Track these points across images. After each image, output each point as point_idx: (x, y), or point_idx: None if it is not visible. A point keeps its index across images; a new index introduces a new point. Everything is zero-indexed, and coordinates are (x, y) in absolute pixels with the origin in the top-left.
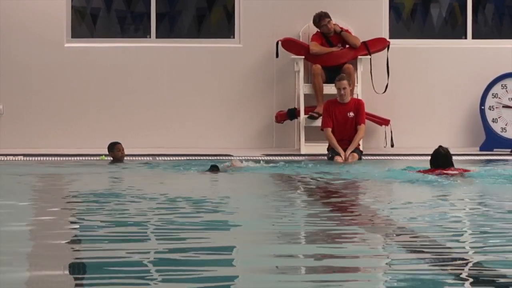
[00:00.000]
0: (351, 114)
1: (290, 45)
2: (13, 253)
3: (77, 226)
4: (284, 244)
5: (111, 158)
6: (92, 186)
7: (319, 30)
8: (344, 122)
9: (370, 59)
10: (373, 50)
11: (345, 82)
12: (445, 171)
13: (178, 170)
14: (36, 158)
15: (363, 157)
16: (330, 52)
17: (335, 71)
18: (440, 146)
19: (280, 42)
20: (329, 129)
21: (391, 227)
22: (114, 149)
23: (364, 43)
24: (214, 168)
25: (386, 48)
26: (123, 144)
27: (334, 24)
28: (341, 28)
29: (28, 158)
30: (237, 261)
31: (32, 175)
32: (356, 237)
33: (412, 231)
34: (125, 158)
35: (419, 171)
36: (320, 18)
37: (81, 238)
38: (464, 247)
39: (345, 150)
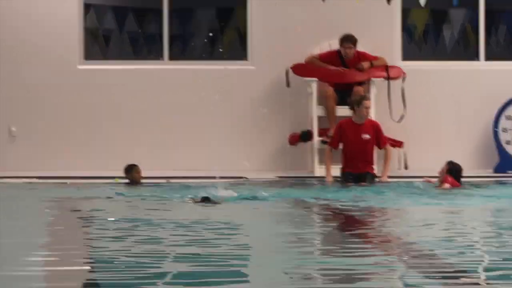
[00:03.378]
0: (367, 136)
1: (301, 69)
2: (27, 276)
3: (92, 250)
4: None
5: (127, 181)
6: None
7: (338, 49)
8: (357, 142)
9: (389, 84)
10: (391, 76)
11: (370, 102)
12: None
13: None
14: (49, 181)
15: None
16: (343, 71)
17: (347, 93)
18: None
19: (290, 70)
20: (331, 149)
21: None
22: (133, 171)
23: (386, 66)
24: (206, 199)
25: (402, 79)
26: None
27: (362, 63)
28: (371, 59)
29: (41, 180)
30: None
31: (45, 197)
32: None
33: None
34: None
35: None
36: (343, 41)
37: (95, 263)
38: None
39: (358, 172)
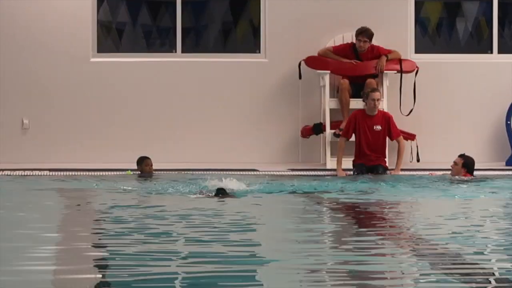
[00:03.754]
0: (378, 127)
1: (314, 62)
2: (38, 271)
3: (104, 246)
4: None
5: (139, 172)
6: (119, 201)
7: (354, 42)
8: (369, 134)
9: (401, 78)
10: (404, 70)
11: (379, 93)
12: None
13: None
14: (62, 173)
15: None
16: (356, 64)
17: (361, 86)
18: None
19: (303, 62)
20: (344, 139)
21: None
22: (143, 163)
23: (399, 59)
24: (222, 192)
25: (415, 73)
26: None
27: (381, 63)
28: (385, 53)
29: (54, 173)
30: None
31: (56, 190)
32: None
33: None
34: (153, 172)
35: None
36: (359, 33)
37: (108, 259)
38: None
39: (370, 164)
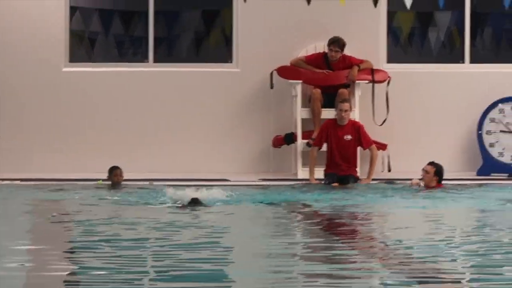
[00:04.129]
0: (349, 137)
1: (286, 72)
2: (7, 283)
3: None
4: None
5: (110, 182)
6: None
7: (326, 51)
8: (339, 143)
9: (373, 88)
10: (376, 80)
11: (348, 104)
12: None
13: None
14: (33, 183)
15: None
16: (328, 74)
17: (333, 96)
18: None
19: (276, 71)
20: (316, 149)
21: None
22: (112, 173)
23: (371, 69)
24: (195, 202)
25: (387, 83)
26: (121, 168)
27: (353, 73)
28: (356, 63)
29: (25, 183)
30: None
31: (28, 199)
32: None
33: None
34: (123, 182)
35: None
36: (331, 43)
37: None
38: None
39: (341, 174)
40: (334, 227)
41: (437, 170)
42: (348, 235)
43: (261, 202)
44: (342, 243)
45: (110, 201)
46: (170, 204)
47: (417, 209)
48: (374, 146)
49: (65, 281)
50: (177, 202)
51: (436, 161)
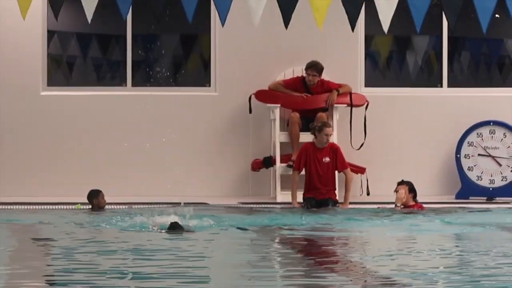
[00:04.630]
0: (327, 159)
1: (265, 96)
2: None
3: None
4: None
5: (90, 206)
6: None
7: (303, 76)
8: (318, 166)
9: (351, 111)
10: (354, 103)
11: (331, 129)
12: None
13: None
14: (11, 207)
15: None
16: (306, 97)
17: (312, 120)
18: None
19: (254, 96)
20: (297, 172)
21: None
22: (99, 196)
23: (350, 93)
24: (175, 226)
25: (365, 107)
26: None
27: (332, 98)
28: (335, 87)
29: (3, 207)
30: None
31: (5, 224)
32: None
33: None
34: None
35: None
36: (308, 67)
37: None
38: None
39: (320, 198)
40: (311, 250)
41: (411, 188)
42: (327, 258)
43: (241, 228)
44: (318, 266)
45: (96, 224)
46: (151, 229)
47: (396, 232)
48: (349, 169)
49: None
50: (158, 227)
51: (404, 179)
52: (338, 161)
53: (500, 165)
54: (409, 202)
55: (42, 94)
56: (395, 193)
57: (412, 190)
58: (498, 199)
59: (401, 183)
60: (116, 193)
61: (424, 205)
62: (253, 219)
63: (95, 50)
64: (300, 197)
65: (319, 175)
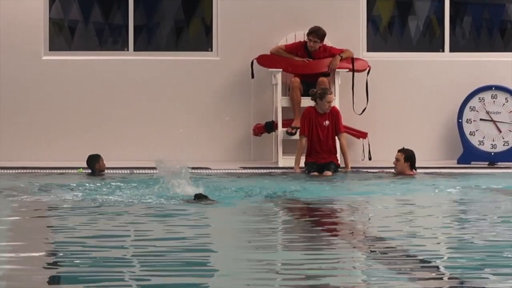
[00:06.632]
0: (327, 122)
1: (267, 60)
2: None
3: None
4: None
5: (90, 171)
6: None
7: (305, 40)
8: (320, 131)
9: (353, 76)
10: (356, 69)
11: (333, 95)
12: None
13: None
14: (12, 171)
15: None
16: (308, 62)
17: (313, 85)
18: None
19: (256, 60)
20: (305, 138)
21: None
22: (99, 161)
23: (352, 58)
24: (200, 197)
25: (367, 72)
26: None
27: (334, 62)
28: (337, 52)
29: (4, 171)
30: None
31: (7, 188)
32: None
33: None
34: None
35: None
36: (310, 33)
37: (58, 254)
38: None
39: (322, 162)
40: (314, 216)
41: (407, 156)
42: (329, 224)
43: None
44: (321, 231)
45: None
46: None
47: (397, 197)
48: (344, 134)
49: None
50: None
51: (406, 147)
52: (337, 123)
53: (501, 131)
54: (405, 171)
55: (44, 58)
56: (395, 159)
57: (408, 159)
58: (499, 163)
59: (400, 150)
60: (117, 157)
61: (426, 170)
62: (271, 186)
63: (97, 14)
64: (301, 162)
65: (320, 140)
